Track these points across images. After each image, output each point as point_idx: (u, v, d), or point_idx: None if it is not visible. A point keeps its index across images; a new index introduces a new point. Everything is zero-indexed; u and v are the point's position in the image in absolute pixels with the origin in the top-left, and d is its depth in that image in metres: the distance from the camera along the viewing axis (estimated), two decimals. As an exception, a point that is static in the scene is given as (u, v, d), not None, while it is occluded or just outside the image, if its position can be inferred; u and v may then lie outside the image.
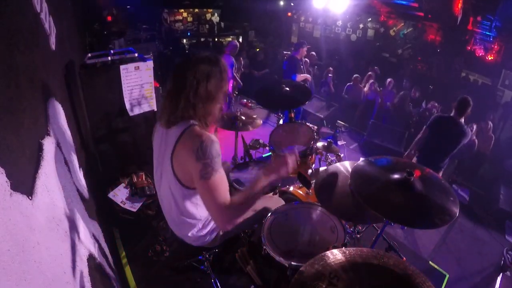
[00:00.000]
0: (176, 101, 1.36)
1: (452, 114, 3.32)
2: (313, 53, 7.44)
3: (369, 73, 7.03)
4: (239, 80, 6.10)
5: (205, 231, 1.62)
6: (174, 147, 1.36)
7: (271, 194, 2.32)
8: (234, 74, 5.75)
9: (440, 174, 3.36)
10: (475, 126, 5.21)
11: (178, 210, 1.51)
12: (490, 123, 5.25)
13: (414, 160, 3.50)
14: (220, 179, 1.29)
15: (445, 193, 1.61)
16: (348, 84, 6.89)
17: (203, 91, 1.35)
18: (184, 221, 1.55)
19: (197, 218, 1.56)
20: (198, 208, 1.52)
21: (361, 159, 1.90)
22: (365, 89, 6.65)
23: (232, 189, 2.31)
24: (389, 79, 6.60)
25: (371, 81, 6.67)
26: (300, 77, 5.05)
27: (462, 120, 3.27)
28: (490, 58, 6.86)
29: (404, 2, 7.27)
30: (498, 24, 6.08)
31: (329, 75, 7.00)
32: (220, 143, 1.34)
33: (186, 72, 1.34)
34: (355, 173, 1.74)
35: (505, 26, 5.99)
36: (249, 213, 1.81)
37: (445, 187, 1.66)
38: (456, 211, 1.50)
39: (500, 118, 6.55)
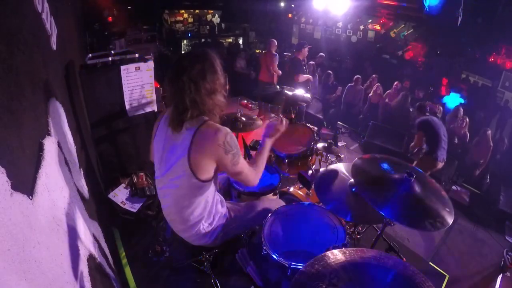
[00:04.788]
0: (182, 104, 1.41)
1: None
2: (322, 54, 7.49)
3: (374, 75, 7.01)
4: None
5: (210, 228, 1.63)
6: (191, 144, 1.40)
7: (271, 195, 2.32)
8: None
9: None
10: (467, 119, 5.26)
11: (185, 206, 1.52)
12: (489, 131, 5.17)
13: None
14: (243, 160, 1.53)
15: (442, 202, 1.59)
16: (349, 84, 6.87)
17: (204, 88, 1.40)
18: (189, 219, 1.55)
19: (203, 214, 1.58)
20: (206, 202, 1.57)
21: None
22: (371, 94, 6.59)
23: (232, 189, 2.31)
24: (395, 82, 6.52)
25: (377, 84, 6.63)
26: (303, 77, 5.03)
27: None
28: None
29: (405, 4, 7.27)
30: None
31: (335, 82, 7.08)
32: None
33: (182, 77, 1.38)
34: (355, 166, 1.75)
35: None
36: (249, 214, 1.83)
37: (442, 197, 1.64)
38: (449, 221, 1.46)
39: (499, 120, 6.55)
